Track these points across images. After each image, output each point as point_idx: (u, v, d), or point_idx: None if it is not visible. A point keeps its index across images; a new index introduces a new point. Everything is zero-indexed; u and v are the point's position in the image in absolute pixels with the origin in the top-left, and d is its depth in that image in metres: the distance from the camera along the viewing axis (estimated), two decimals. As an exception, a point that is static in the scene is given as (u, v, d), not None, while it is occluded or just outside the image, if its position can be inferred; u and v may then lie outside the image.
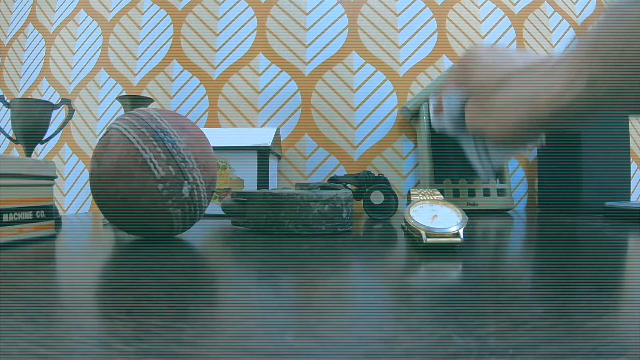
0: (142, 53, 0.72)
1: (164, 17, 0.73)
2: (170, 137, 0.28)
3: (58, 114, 0.72)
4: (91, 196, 0.72)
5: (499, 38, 0.71)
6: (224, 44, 0.71)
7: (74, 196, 0.73)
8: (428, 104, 0.47)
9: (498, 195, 0.61)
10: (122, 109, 0.64)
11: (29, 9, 0.77)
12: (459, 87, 0.35)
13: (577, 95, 0.24)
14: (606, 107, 0.24)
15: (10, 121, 0.44)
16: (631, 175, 0.70)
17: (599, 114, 0.25)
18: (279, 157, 0.66)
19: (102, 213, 0.30)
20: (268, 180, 0.52)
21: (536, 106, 0.27)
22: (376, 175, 0.50)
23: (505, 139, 0.30)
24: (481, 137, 0.34)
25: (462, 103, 0.35)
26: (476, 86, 0.32)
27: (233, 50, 0.71)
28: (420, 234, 0.25)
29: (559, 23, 0.72)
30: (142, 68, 0.72)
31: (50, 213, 0.31)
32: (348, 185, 0.51)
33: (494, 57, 0.32)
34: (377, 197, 0.47)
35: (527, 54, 0.31)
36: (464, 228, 0.26)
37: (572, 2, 0.73)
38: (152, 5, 0.73)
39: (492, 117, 0.30)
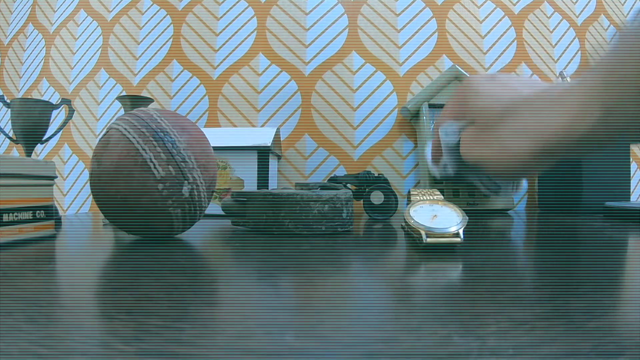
0: (142, 53, 0.72)
1: (164, 17, 0.73)
2: (170, 137, 0.28)
3: (58, 114, 0.72)
4: (91, 196, 0.72)
5: (499, 38, 0.71)
6: (224, 44, 0.71)
7: (74, 196, 0.73)
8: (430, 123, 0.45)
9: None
10: (122, 109, 0.64)
11: (29, 9, 0.77)
12: (458, 119, 0.32)
13: (591, 125, 0.22)
14: (621, 137, 0.22)
15: (10, 121, 0.44)
16: (631, 175, 0.70)
17: (611, 143, 0.23)
18: (279, 157, 0.66)
19: (102, 213, 0.30)
20: (268, 180, 0.52)
21: (545, 136, 0.25)
22: (376, 175, 0.50)
23: (508, 170, 0.28)
24: (481, 170, 0.32)
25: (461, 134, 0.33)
26: (477, 115, 0.30)
27: (233, 50, 0.71)
28: (420, 234, 0.25)
29: (559, 23, 0.72)
30: (142, 68, 0.72)
31: (50, 213, 0.31)
32: (348, 185, 0.51)
33: (496, 85, 0.30)
34: (377, 197, 0.47)
35: (531, 82, 0.29)
36: (464, 228, 0.26)
37: (572, 2, 0.73)
38: (152, 5, 0.73)
39: (496, 148, 0.28)
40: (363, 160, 0.68)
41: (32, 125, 0.44)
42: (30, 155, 0.47)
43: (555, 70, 0.71)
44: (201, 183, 0.29)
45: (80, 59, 0.74)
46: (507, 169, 0.28)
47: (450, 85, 0.63)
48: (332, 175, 0.68)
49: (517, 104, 0.27)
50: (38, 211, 0.30)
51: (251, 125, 0.70)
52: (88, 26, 0.74)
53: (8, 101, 0.45)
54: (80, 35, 0.74)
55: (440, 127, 0.34)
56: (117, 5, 0.74)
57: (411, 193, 0.32)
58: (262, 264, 0.21)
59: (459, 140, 0.33)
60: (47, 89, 0.74)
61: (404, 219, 0.28)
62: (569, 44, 0.72)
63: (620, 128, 0.22)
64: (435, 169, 0.37)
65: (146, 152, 0.27)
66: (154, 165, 0.27)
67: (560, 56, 0.72)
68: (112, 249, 0.26)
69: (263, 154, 0.52)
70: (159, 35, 0.72)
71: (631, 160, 0.70)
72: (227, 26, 0.72)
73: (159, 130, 0.28)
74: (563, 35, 0.72)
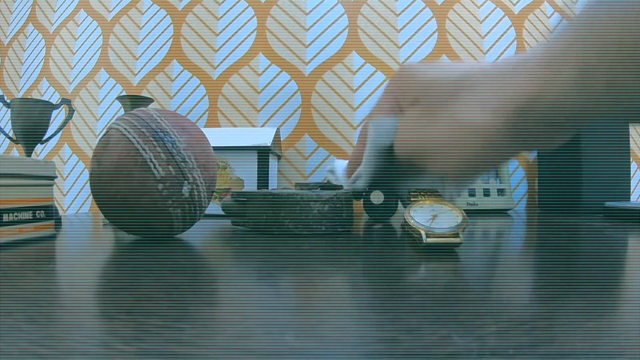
0: (142, 53, 0.72)
1: (164, 17, 0.73)
2: (170, 137, 0.28)
3: (58, 114, 0.72)
4: (91, 196, 0.72)
5: (499, 38, 0.71)
6: (224, 44, 0.71)
7: (74, 196, 0.73)
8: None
9: (498, 195, 0.61)
10: (122, 109, 0.64)
11: (29, 9, 0.77)
12: (394, 111, 0.27)
13: (565, 87, 0.18)
14: (602, 108, 0.18)
15: (10, 121, 0.44)
16: (631, 175, 0.70)
17: (589, 119, 0.19)
18: (279, 157, 0.66)
19: (102, 213, 0.30)
20: (268, 180, 0.52)
21: (511, 104, 0.20)
22: (376, 175, 0.50)
23: (469, 155, 0.22)
24: (420, 169, 0.26)
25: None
26: (424, 92, 0.24)
27: (233, 50, 0.71)
28: (420, 234, 0.25)
29: (559, 23, 0.72)
30: (142, 68, 0.72)
31: (50, 213, 0.31)
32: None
33: (438, 69, 0.24)
34: (377, 197, 0.46)
35: (480, 64, 0.24)
36: (464, 228, 0.26)
37: (572, 2, 0.73)
38: (152, 5, 0.73)
39: (451, 126, 0.22)
40: (363, 160, 0.68)
41: (32, 125, 0.44)
42: (30, 155, 0.47)
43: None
44: (201, 183, 0.29)
45: (80, 59, 0.74)
46: (467, 153, 0.22)
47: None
48: (332, 175, 0.68)
49: (473, 75, 0.22)
50: (38, 211, 0.30)
51: (251, 125, 0.70)
52: (88, 26, 0.74)
53: (8, 101, 0.45)
54: (80, 35, 0.74)
55: (371, 124, 0.27)
56: (117, 5, 0.74)
57: (411, 193, 0.32)
58: (262, 264, 0.21)
59: (393, 140, 0.26)
60: (47, 89, 0.74)
61: (404, 219, 0.28)
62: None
63: (600, 95, 0.18)
64: (347, 182, 0.31)
65: (146, 152, 0.27)
66: (154, 165, 0.27)
67: (560, 56, 0.72)
68: (112, 249, 0.26)
69: (263, 154, 0.52)
70: (159, 35, 0.72)
71: (631, 160, 0.70)
72: (227, 26, 0.72)
73: (159, 130, 0.28)
74: (563, 35, 0.72)
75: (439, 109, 0.23)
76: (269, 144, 0.52)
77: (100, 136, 0.54)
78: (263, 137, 0.54)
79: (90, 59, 0.74)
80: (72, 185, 0.73)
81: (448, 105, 0.23)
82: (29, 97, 0.57)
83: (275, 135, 0.56)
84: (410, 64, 0.26)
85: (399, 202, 0.42)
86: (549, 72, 0.19)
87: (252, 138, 0.54)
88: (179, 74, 0.71)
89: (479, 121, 0.21)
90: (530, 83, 0.19)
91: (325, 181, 0.39)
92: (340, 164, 0.34)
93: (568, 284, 0.17)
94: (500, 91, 0.21)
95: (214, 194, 0.49)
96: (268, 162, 0.52)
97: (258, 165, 0.52)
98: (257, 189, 0.52)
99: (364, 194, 0.32)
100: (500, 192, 0.61)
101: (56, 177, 0.32)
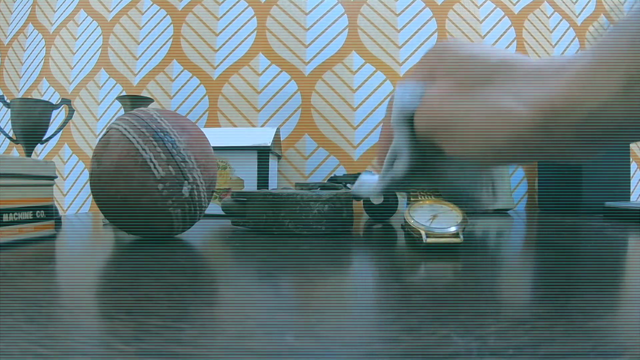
0: (142, 53, 0.72)
1: (164, 17, 0.73)
2: (170, 137, 0.28)
3: (58, 114, 0.72)
4: (91, 196, 0.72)
5: (499, 38, 0.71)
6: (224, 44, 0.71)
7: (74, 196, 0.73)
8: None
9: (498, 195, 0.61)
10: (122, 109, 0.64)
11: (29, 9, 0.77)
12: (426, 79, 0.25)
13: (609, 98, 0.17)
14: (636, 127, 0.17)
15: (10, 121, 0.44)
16: (631, 175, 0.70)
17: (629, 136, 0.18)
18: (279, 157, 0.66)
19: (102, 213, 0.30)
20: (268, 180, 0.52)
21: (542, 102, 0.19)
22: (376, 175, 0.50)
23: (484, 148, 0.21)
24: (438, 144, 0.24)
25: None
26: (461, 65, 0.23)
27: (233, 50, 0.71)
28: (420, 234, 0.25)
29: (559, 23, 0.72)
30: (142, 68, 0.72)
31: (50, 213, 0.31)
32: (348, 185, 0.51)
33: (480, 47, 0.23)
34: (377, 197, 0.46)
35: (524, 56, 0.23)
36: (464, 228, 0.26)
37: (572, 2, 0.73)
38: (152, 5, 0.73)
39: (482, 106, 0.21)
40: (363, 160, 0.68)
41: (32, 125, 0.44)
42: (30, 155, 0.47)
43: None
44: (201, 183, 0.29)
45: (80, 59, 0.74)
46: (493, 139, 0.21)
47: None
48: (332, 175, 0.68)
49: (514, 63, 0.21)
50: (38, 211, 0.30)
51: (251, 125, 0.70)
52: (88, 26, 0.74)
53: (8, 101, 0.45)
54: (80, 35, 0.74)
55: (397, 87, 0.25)
56: (117, 5, 0.74)
57: (411, 193, 0.32)
58: (262, 264, 0.21)
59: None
60: (47, 89, 0.74)
61: (404, 219, 0.28)
62: (569, 44, 0.72)
63: None
64: (377, 180, 0.28)
65: (146, 152, 0.27)
66: (154, 165, 0.27)
67: (560, 56, 0.72)
68: (112, 249, 0.26)
69: (263, 154, 0.52)
70: (159, 35, 0.72)
71: (631, 160, 0.71)
72: (227, 26, 0.72)
73: (159, 130, 0.28)
74: (563, 35, 0.72)
75: (473, 87, 0.22)
76: (269, 144, 0.52)
77: (100, 136, 0.54)
78: (263, 137, 0.54)
79: (90, 59, 0.74)
80: (72, 185, 0.73)
81: (483, 86, 0.22)
82: (29, 97, 0.57)
83: (275, 135, 0.56)
84: (451, 40, 0.25)
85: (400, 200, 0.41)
86: (594, 78, 0.18)
87: (252, 138, 0.54)
88: (179, 74, 0.71)
89: (512, 110, 0.20)
90: (572, 86, 0.18)
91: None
92: (367, 178, 0.31)
93: (568, 284, 0.17)
94: (539, 87, 0.19)
95: (214, 194, 0.49)
96: (268, 162, 0.52)
97: (258, 165, 0.52)
98: (257, 189, 0.52)
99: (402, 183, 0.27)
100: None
101: (56, 177, 0.32)
